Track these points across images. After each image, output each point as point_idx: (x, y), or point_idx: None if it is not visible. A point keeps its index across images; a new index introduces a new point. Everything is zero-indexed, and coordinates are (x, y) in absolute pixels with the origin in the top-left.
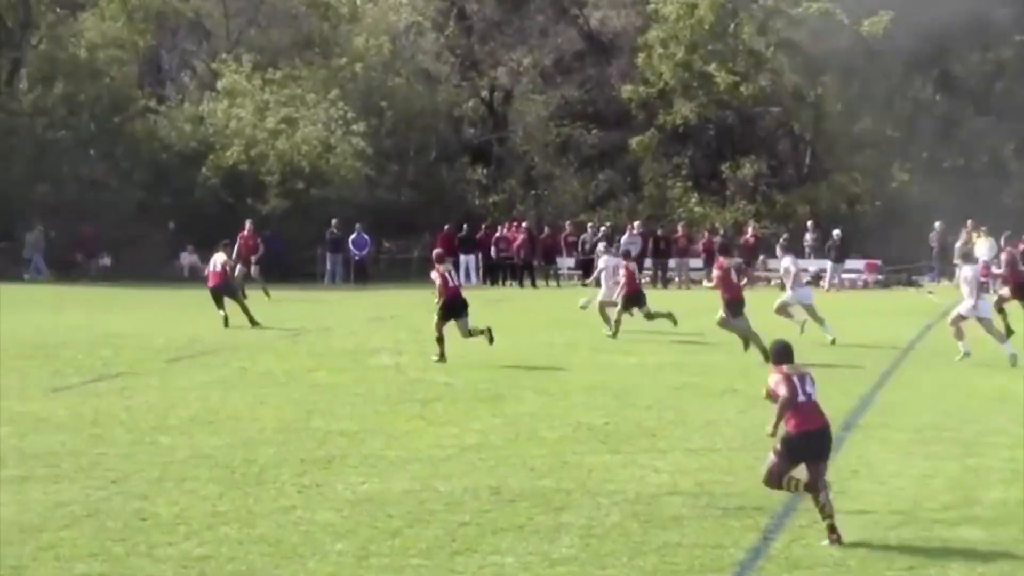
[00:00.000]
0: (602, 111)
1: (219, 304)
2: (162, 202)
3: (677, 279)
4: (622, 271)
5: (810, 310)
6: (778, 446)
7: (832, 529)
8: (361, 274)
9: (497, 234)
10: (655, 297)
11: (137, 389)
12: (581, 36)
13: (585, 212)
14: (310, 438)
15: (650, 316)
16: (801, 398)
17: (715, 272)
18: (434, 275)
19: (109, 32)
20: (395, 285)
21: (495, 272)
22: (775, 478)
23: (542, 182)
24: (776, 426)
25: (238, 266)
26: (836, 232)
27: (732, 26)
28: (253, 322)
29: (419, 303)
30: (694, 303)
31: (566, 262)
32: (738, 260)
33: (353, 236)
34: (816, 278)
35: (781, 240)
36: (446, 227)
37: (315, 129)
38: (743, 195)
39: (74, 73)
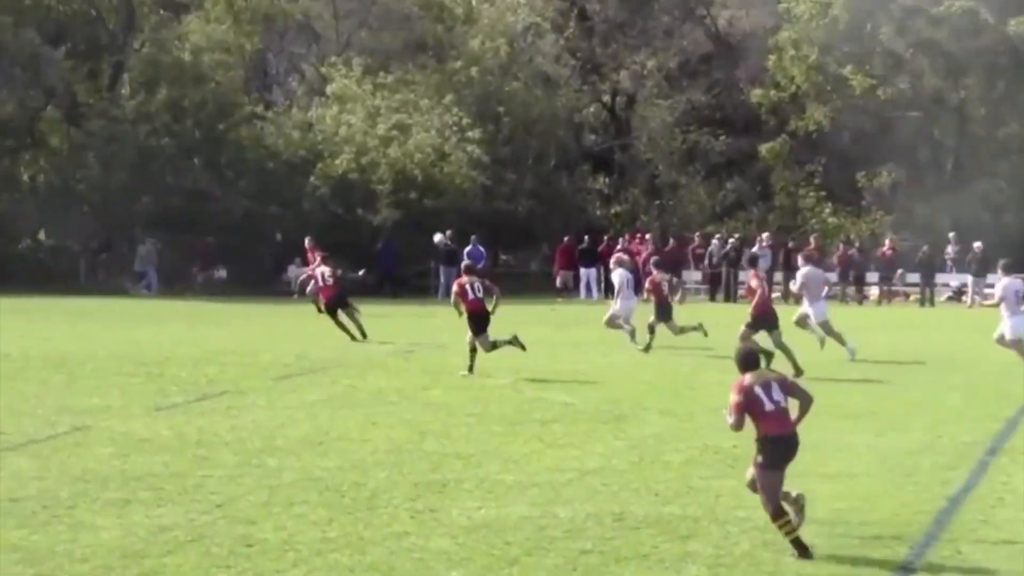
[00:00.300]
0: (730, 116)
1: (335, 318)
2: (269, 212)
3: None
4: (647, 283)
5: (821, 327)
6: (758, 458)
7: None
8: None
9: (619, 246)
10: (785, 313)
11: (243, 408)
12: (708, 37)
13: (712, 223)
14: (424, 460)
15: (682, 331)
16: (769, 407)
17: (753, 283)
18: (455, 287)
19: (214, 35)
20: (512, 300)
21: None
22: (771, 492)
23: (667, 191)
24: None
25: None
26: (977, 244)
27: (868, 26)
28: (364, 335)
29: (538, 319)
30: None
31: (693, 276)
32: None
33: (468, 248)
34: (958, 293)
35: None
36: (566, 239)
37: (428, 136)
38: (880, 205)
39: (178, 78)
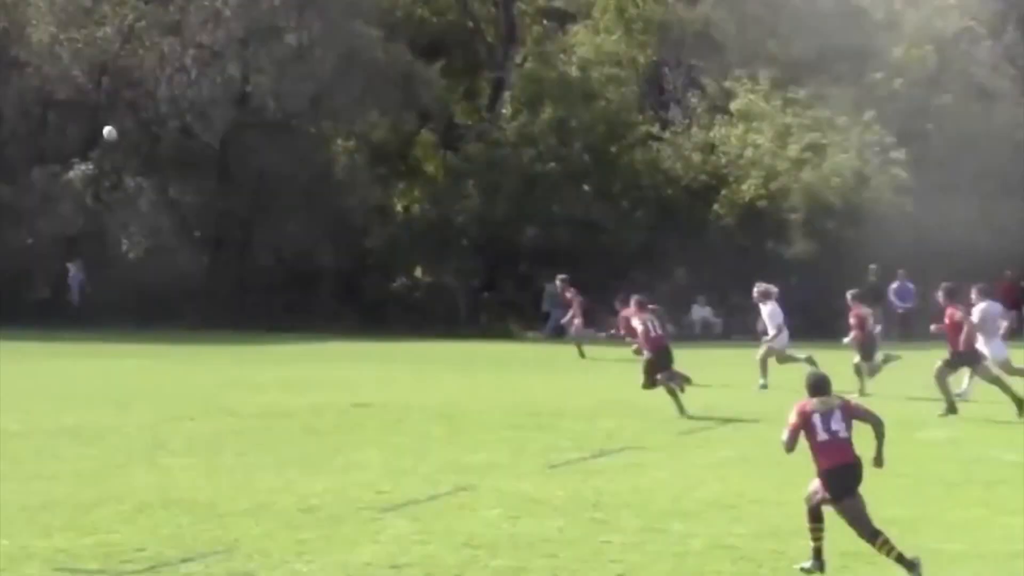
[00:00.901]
0: None
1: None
2: (667, 246)
3: None
4: (852, 318)
5: (1007, 366)
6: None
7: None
8: (906, 329)
9: None
10: None
11: (646, 466)
12: None
13: None
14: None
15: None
16: (822, 436)
17: (950, 320)
18: (635, 323)
19: (604, 46)
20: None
21: None
22: (855, 519)
23: None
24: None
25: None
26: None
27: None
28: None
29: None
30: None
31: None
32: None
33: (894, 285)
34: None
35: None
36: (1007, 273)
37: (847, 158)
38: None
39: (564, 95)
